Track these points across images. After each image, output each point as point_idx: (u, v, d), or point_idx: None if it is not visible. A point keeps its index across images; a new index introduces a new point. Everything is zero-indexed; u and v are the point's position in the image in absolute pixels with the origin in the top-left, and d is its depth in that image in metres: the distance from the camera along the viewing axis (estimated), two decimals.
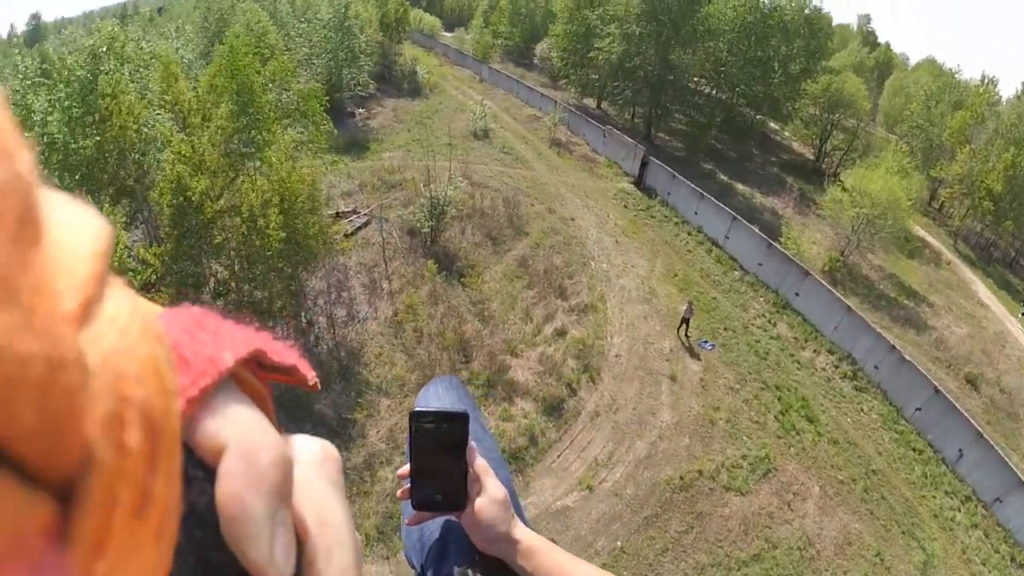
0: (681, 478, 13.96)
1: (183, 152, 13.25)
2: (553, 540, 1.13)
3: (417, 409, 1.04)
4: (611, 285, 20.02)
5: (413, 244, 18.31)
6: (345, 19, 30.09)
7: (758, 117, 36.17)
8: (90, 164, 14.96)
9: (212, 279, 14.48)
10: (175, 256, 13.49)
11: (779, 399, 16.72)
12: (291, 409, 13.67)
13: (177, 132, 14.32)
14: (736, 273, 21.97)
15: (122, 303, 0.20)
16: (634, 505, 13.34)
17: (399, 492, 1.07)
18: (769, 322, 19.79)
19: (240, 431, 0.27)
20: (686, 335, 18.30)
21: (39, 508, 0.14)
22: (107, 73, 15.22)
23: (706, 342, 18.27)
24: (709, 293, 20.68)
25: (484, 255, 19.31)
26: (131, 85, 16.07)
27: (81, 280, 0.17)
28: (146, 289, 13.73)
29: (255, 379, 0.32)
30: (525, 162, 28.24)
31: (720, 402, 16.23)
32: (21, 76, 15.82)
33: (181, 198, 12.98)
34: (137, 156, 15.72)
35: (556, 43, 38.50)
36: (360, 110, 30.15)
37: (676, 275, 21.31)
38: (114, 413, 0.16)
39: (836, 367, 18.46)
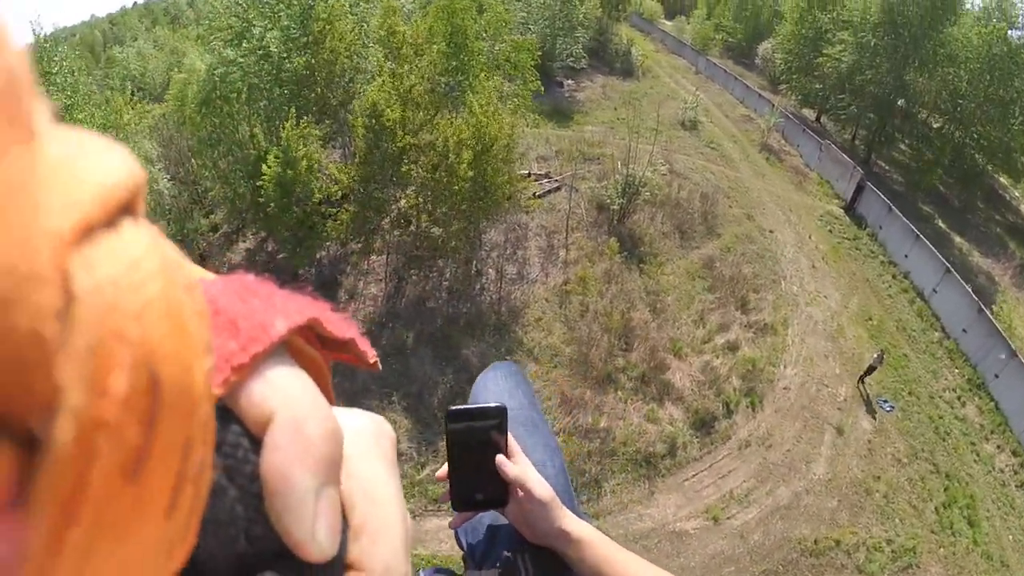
0: (816, 542, 12.43)
1: (389, 81, 13.46)
2: (659, 562, 0.68)
3: (453, 408, 1.03)
4: (797, 311, 18.16)
5: (599, 219, 17.68)
6: None
7: (988, 166, 31.13)
8: (299, 82, 15.80)
9: (395, 208, 14.74)
10: (364, 177, 13.86)
11: (945, 489, 14.38)
12: (440, 348, 13.70)
13: (388, 64, 14.64)
14: (936, 334, 19.04)
15: (140, 239, 0.17)
16: (756, 554, 12.10)
17: (440, 496, 1.06)
18: (959, 399, 17.02)
19: (289, 401, 0.25)
20: (866, 386, 16.16)
21: None
22: (326, 0, 15.99)
23: (886, 401, 16.04)
24: (901, 348, 18.12)
25: (669, 246, 18.25)
26: (350, 16, 16.79)
27: (79, 201, 0.15)
28: (332, 204, 14.28)
29: (312, 349, 0.30)
30: (731, 161, 26.54)
31: (883, 472, 14.21)
32: None
33: (376, 123, 13.25)
34: (345, 83, 16.40)
35: (781, 44, 35.61)
36: (569, 81, 29.78)
37: (871, 319, 18.90)
38: (96, 349, 0.14)
39: (1016, 472, 15.44)
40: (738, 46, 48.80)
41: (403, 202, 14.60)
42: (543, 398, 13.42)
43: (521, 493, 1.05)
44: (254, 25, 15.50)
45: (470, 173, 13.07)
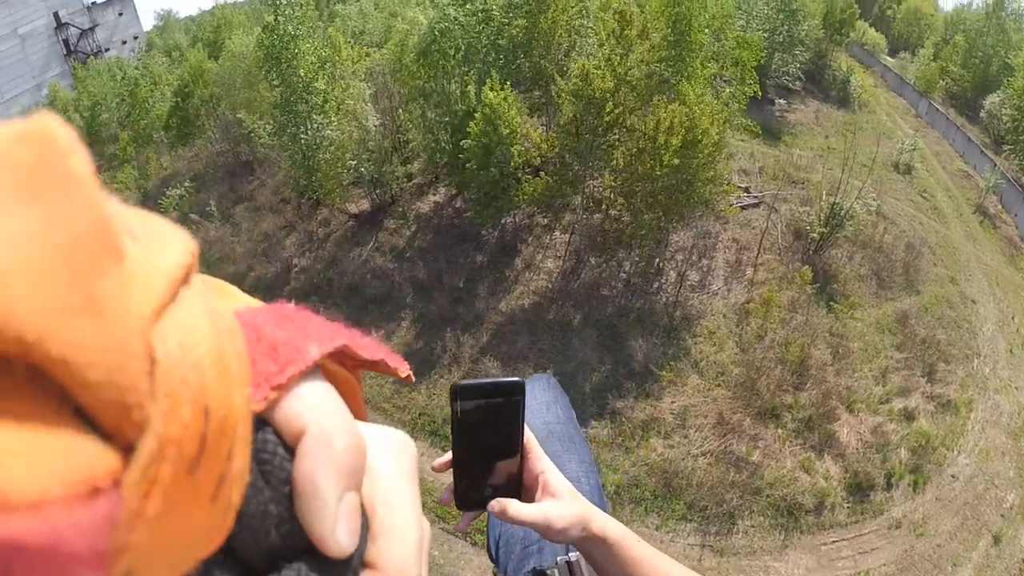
0: None
1: (605, 61, 13.26)
2: None
3: (462, 383, 0.88)
4: (984, 396, 16.19)
5: (794, 245, 16.60)
6: (792, 1, 28.08)
7: None
8: (515, 48, 16.02)
9: (589, 186, 14.48)
10: (565, 148, 13.71)
11: None
12: (604, 336, 13.44)
13: (610, 40, 14.34)
14: None
15: (195, 307, 0.23)
16: None
17: (441, 498, 0.96)
18: None
19: (319, 417, 0.29)
20: None
21: (108, 456, 0.18)
22: None
23: None
24: None
25: (864, 290, 16.83)
26: None
27: (155, 289, 0.21)
28: (529, 171, 14.27)
29: (343, 370, 0.35)
30: (942, 216, 24.16)
31: None
32: None
33: (586, 90, 13.05)
34: (560, 56, 16.33)
35: (1009, 100, 31.95)
36: (781, 100, 28.23)
37: None
38: (170, 393, 0.20)
39: None
40: (963, 94, 44.42)
41: (599, 181, 14.34)
42: (697, 415, 12.83)
43: (543, 489, 0.97)
44: None
45: (675, 161, 12.60)
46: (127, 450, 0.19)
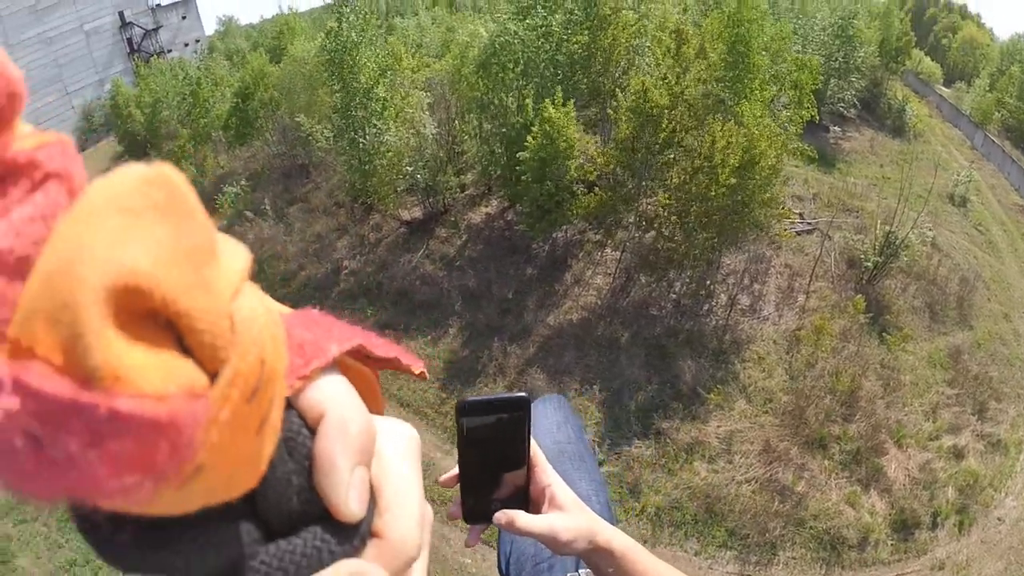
0: None
1: (662, 79, 13.33)
2: None
3: (468, 399, 0.90)
4: None
5: (847, 274, 16.32)
6: (849, 27, 27.67)
7: None
8: (573, 64, 16.08)
9: (642, 204, 14.46)
10: (619, 161, 13.76)
11: None
12: (652, 355, 13.38)
13: (667, 57, 14.38)
14: None
15: (254, 297, 0.31)
16: None
17: (449, 512, 0.98)
18: None
19: (337, 404, 0.35)
20: None
21: (202, 377, 0.25)
22: None
23: None
24: None
25: (916, 323, 16.47)
26: (630, 12, 16.76)
27: (234, 279, 0.28)
28: (584, 185, 14.32)
29: (361, 366, 0.43)
30: (996, 251, 23.58)
31: None
32: None
33: (644, 106, 13.08)
34: (618, 74, 16.43)
35: None
36: (835, 128, 27.77)
37: None
38: (242, 344, 0.27)
39: None
40: (1019, 127, 43.30)
41: (652, 200, 14.33)
42: (743, 440, 12.67)
43: (548, 501, 0.97)
44: (541, 5, 16.04)
45: (732, 181, 12.54)
46: (213, 376, 0.26)
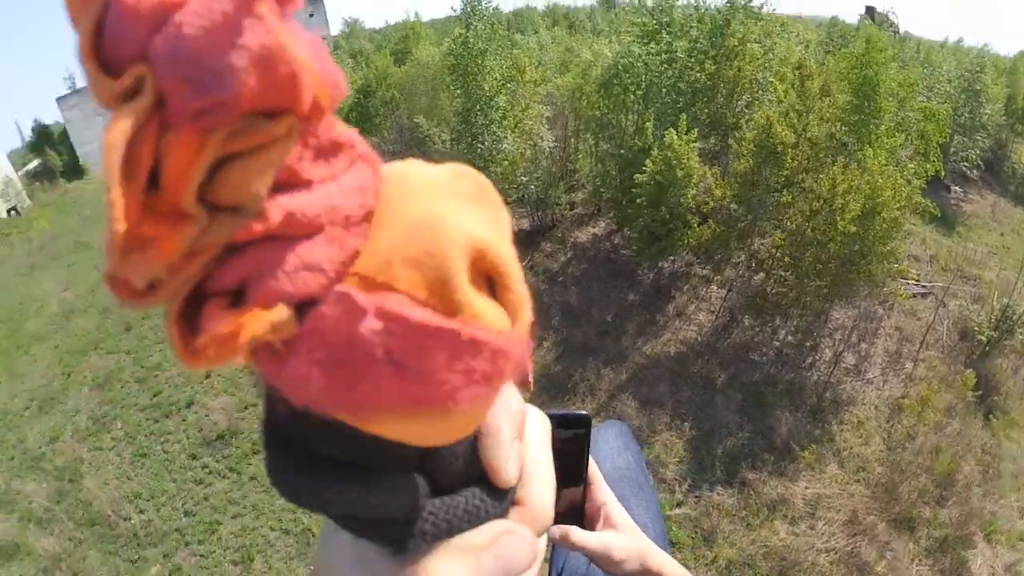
0: None
1: (785, 115, 13.26)
2: None
3: None
4: None
5: (959, 346, 15.51)
6: (977, 81, 25.95)
7: None
8: (696, 92, 15.99)
9: (756, 243, 14.21)
10: (735, 196, 13.56)
11: None
12: (748, 402, 13.20)
13: (790, 93, 14.05)
14: None
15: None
16: None
17: None
18: None
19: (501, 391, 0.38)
20: None
21: (509, 325, 0.30)
22: (740, 22, 16.37)
23: None
24: None
25: None
26: (756, 46, 16.51)
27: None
28: (701, 219, 14.16)
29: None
30: None
31: None
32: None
33: (768, 141, 12.98)
34: (743, 105, 16.25)
35: None
36: (956, 188, 26.03)
37: None
38: (528, 307, 0.32)
39: None
40: None
41: (766, 241, 14.08)
42: (830, 507, 12.23)
43: (604, 520, 0.99)
44: (666, 31, 16.07)
45: (852, 228, 12.09)
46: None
